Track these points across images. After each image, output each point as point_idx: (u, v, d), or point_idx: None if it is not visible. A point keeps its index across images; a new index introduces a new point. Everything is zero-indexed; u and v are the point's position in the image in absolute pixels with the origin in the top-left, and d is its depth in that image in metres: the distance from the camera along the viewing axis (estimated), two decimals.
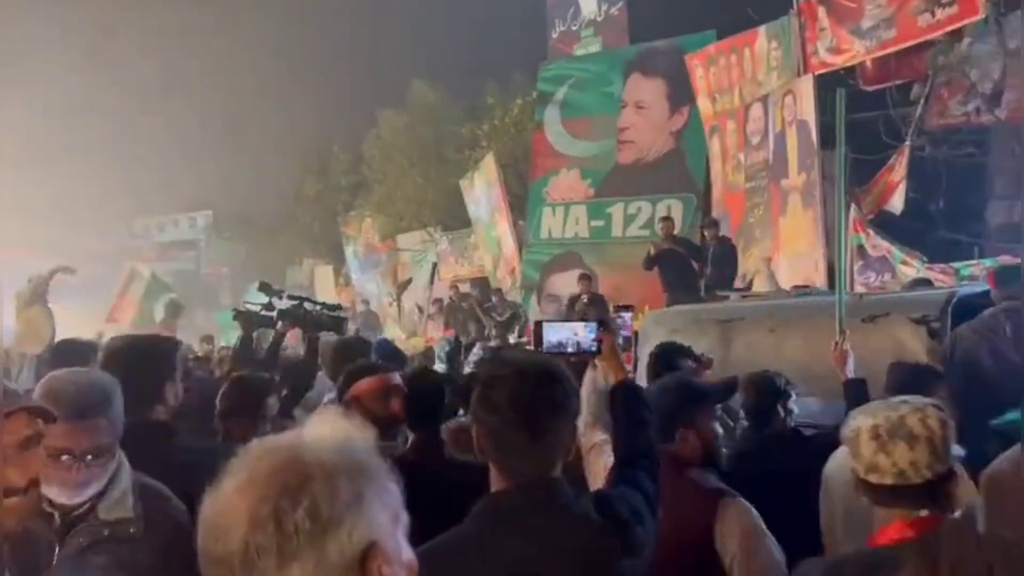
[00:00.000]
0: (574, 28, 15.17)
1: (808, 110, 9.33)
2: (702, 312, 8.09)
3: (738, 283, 9.74)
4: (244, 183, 26.88)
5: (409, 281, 19.39)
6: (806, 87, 9.41)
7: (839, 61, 9.38)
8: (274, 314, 5.95)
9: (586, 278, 11.30)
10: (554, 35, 15.51)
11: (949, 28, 8.09)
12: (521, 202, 15.27)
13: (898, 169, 8.59)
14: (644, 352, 7.01)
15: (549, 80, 15.13)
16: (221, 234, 31.40)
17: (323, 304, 5.27)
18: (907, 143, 8.47)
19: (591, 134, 14.34)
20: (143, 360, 2.62)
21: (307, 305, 5.20)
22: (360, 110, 20.39)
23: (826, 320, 5.60)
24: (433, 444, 2.75)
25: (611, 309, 11.45)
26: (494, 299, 13.54)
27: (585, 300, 11.06)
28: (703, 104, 12.18)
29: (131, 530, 1.95)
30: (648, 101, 13.71)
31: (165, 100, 25.84)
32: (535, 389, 1.61)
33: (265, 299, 6.07)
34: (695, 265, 10.36)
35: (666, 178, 13.31)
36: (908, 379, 3.11)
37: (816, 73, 9.43)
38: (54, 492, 1.85)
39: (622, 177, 13.82)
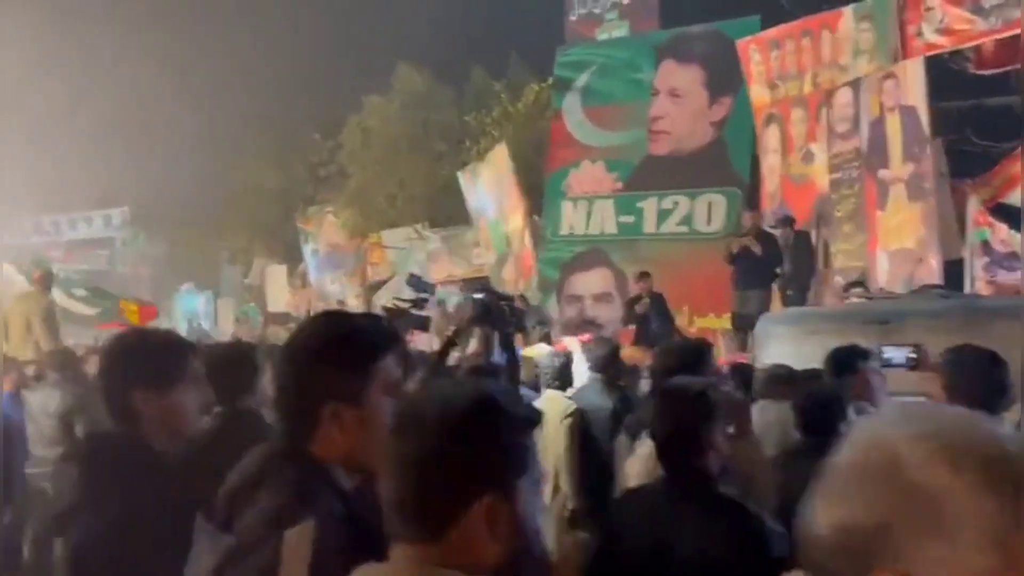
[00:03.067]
0: (596, 11, 14.18)
1: (917, 95, 8.61)
2: (841, 314, 7.24)
3: (840, 281, 8.99)
4: (167, 177, 24.73)
5: (389, 279, 17.93)
6: (914, 70, 8.69)
7: (948, 43, 8.70)
8: (425, 314, 4.77)
9: (645, 276, 10.29)
10: (573, 17, 14.48)
11: None
12: (534, 196, 14.16)
13: None
14: (764, 356, 6.14)
15: (568, 66, 14.08)
16: (141, 231, 29.20)
17: (501, 295, 4.15)
18: None
19: (618, 123, 13.36)
20: None
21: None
22: (337, 96, 18.81)
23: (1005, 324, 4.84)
24: None
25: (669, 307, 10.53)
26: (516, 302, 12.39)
27: (647, 301, 10.13)
28: (757, 92, 11.38)
29: None
30: (684, 89, 12.83)
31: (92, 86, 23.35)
32: None
33: (412, 295, 4.89)
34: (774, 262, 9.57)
35: (705, 171, 12.44)
36: None
37: (924, 56, 8.73)
38: None
39: (655, 169, 12.89)
